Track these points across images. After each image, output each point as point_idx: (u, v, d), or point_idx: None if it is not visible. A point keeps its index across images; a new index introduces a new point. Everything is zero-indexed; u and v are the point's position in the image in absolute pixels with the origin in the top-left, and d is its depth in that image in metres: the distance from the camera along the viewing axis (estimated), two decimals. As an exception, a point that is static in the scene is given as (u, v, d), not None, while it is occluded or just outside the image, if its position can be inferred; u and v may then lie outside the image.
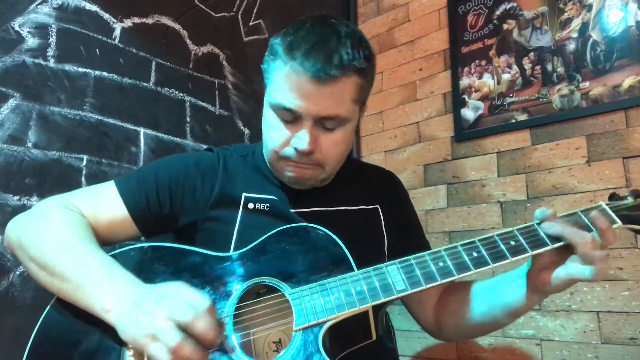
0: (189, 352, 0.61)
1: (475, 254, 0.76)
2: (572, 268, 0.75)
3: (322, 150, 0.88)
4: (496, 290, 0.88)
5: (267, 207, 0.94)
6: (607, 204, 0.81)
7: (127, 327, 0.66)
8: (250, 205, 0.94)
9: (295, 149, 0.87)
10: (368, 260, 0.80)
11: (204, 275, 0.81)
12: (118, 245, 0.90)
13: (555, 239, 0.76)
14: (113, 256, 0.82)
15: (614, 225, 0.77)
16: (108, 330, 0.70)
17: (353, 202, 1.02)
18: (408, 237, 1.07)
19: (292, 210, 0.95)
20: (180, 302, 0.65)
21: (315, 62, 0.81)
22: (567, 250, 0.77)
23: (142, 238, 0.98)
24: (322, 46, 0.82)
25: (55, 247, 0.77)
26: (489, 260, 0.75)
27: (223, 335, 0.69)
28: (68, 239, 0.78)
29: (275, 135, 0.89)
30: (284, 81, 0.84)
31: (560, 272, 0.76)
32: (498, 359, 1.57)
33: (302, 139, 0.85)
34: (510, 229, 0.79)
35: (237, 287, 0.79)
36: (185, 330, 0.63)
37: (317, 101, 0.84)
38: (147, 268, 0.82)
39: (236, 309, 0.77)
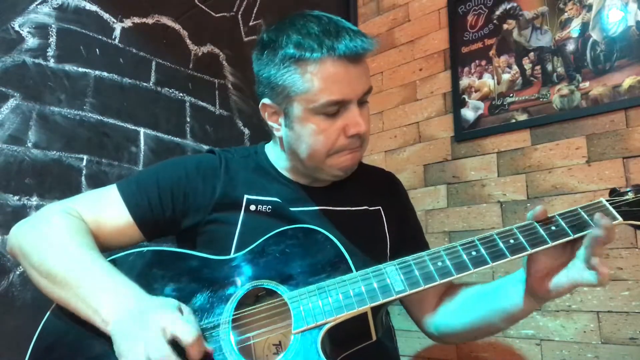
0: None
1: (474, 253, 0.76)
2: (575, 274, 0.74)
3: (367, 124, 0.90)
4: (494, 294, 0.88)
5: (269, 209, 0.94)
6: (607, 200, 0.79)
7: (121, 341, 0.67)
8: (252, 207, 0.94)
9: (354, 134, 0.88)
10: (371, 262, 0.79)
11: (202, 279, 0.81)
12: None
13: (557, 236, 0.75)
14: (113, 261, 0.81)
15: (615, 222, 0.76)
16: (107, 338, 0.70)
17: (356, 202, 1.02)
18: (410, 238, 1.07)
19: (296, 209, 0.95)
20: (161, 341, 0.64)
21: (354, 42, 0.82)
22: (564, 254, 0.76)
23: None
24: (346, 28, 0.85)
25: (55, 255, 0.77)
26: (488, 260, 0.75)
27: None
28: (67, 247, 0.78)
29: (326, 135, 0.88)
30: (325, 77, 0.83)
31: (562, 279, 0.75)
32: (498, 359, 1.57)
33: (358, 123, 0.87)
34: (509, 227, 0.78)
35: (236, 291, 0.79)
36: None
37: (359, 80, 0.86)
38: (146, 272, 0.82)
39: (235, 312, 0.77)
